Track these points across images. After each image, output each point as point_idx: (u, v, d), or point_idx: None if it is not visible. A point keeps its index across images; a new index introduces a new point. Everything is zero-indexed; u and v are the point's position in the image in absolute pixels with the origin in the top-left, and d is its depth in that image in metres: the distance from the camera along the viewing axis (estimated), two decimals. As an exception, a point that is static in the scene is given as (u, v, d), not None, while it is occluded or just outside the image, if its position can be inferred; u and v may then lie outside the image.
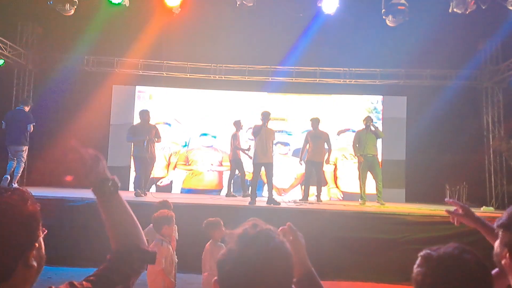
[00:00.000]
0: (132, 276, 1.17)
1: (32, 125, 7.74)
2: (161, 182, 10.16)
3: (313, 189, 8.46)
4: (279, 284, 0.99)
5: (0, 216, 0.99)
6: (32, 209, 1.04)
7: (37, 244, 1.04)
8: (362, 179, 7.97)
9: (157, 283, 3.54)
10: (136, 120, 9.13)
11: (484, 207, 8.37)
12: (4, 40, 8.81)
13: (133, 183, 7.98)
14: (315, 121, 8.21)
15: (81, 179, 1.16)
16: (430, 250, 1.20)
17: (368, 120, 8.09)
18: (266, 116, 7.08)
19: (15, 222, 1.00)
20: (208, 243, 3.97)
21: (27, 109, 7.88)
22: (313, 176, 8.13)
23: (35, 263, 1.03)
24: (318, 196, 8.19)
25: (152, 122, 8.11)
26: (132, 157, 7.94)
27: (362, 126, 8.22)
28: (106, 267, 1.16)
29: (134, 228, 1.25)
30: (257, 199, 7.07)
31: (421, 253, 1.21)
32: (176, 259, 3.86)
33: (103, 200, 1.22)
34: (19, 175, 7.76)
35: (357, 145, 8.00)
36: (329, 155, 8.16)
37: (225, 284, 1.01)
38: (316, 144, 8.06)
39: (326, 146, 8.21)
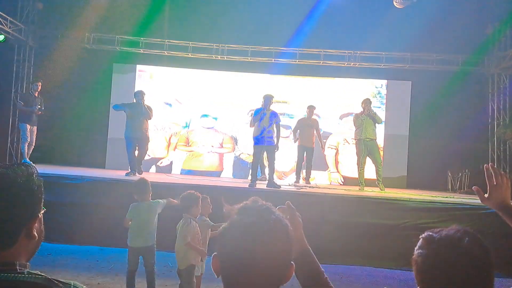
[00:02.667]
0: None
1: (21, 103, 7.93)
2: (161, 163, 10.13)
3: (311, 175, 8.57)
4: (280, 255, 1.00)
5: (8, 187, 1.07)
6: (37, 183, 1.12)
7: (40, 215, 1.12)
8: (361, 164, 7.83)
9: (190, 255, 3.85)
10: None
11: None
12: (4, 15, 8.70)
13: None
14: (311, 108, 8.36)
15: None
16: (432, 232, 1.19)
17: (367, 103, 7.70)
18: (268, 99, 6.95)
19: (21, 193, 1.08)
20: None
21: (34, 90, 8.07)
22: (305, 160, 8.37)
23: (36, 235, 1.10)
24: (307, 178, 8.37)
25: (148, 102, 7.81)
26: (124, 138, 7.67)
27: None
28: None
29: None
30: (257, 181, 7.03)
31: (423, 235, 1.20)
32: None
33: None
34: (25, 152, 7.94)
35: (355, 129, 7.82)
36: (320, 141, 8.44)
37: (226, 256, 1.00)
38: (308, 131, 8.29)
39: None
